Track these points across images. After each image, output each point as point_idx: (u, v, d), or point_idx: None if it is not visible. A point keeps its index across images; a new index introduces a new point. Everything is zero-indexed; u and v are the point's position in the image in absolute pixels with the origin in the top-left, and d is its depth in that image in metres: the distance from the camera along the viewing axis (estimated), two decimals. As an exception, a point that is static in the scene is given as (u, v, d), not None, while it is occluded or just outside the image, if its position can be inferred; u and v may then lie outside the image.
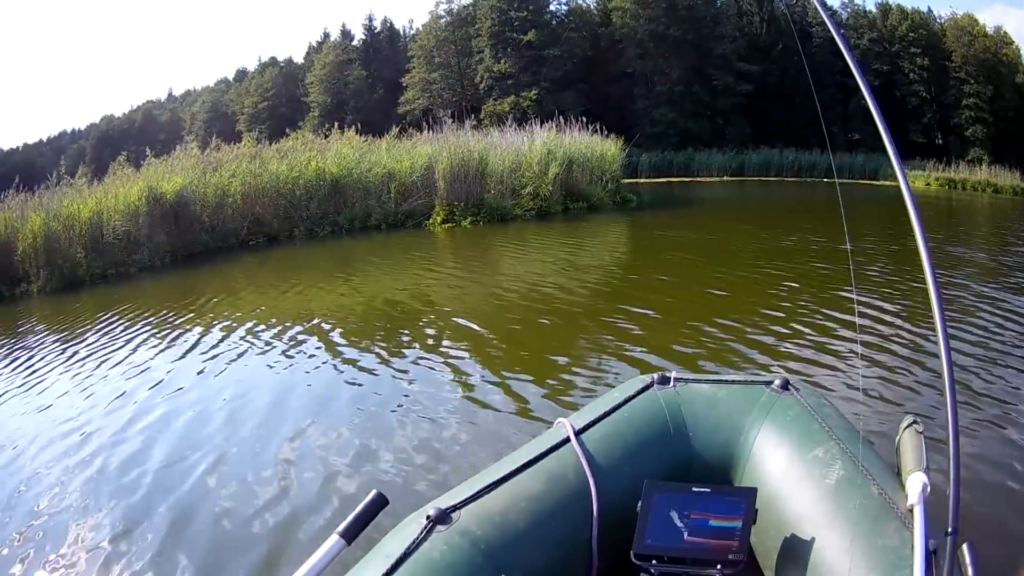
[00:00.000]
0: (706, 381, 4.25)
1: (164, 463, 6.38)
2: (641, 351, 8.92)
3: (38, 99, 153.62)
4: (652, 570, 3.21)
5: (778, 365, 8.15)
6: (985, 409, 6.68)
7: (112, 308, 13.49)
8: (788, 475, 3.55)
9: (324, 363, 9.28)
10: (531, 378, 8.17)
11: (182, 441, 6.89)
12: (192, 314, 12.43)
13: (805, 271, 14.21)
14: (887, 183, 39.54)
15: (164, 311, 12.77)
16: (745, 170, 46.95)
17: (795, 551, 3.25)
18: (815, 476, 3.43)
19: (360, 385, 8.41)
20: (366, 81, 64.38)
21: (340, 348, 9.92)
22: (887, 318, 10.04)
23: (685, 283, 13.49)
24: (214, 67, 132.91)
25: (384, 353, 9.54)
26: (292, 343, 10.20)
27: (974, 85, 50.64)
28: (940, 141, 52.51)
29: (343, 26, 70.88)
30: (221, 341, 10.54)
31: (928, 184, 41.77)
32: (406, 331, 10.68)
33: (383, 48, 67.12)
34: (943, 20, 56.27)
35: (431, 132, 27.79)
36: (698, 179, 45.32)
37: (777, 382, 4.08)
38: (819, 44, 51.08)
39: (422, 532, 3.13)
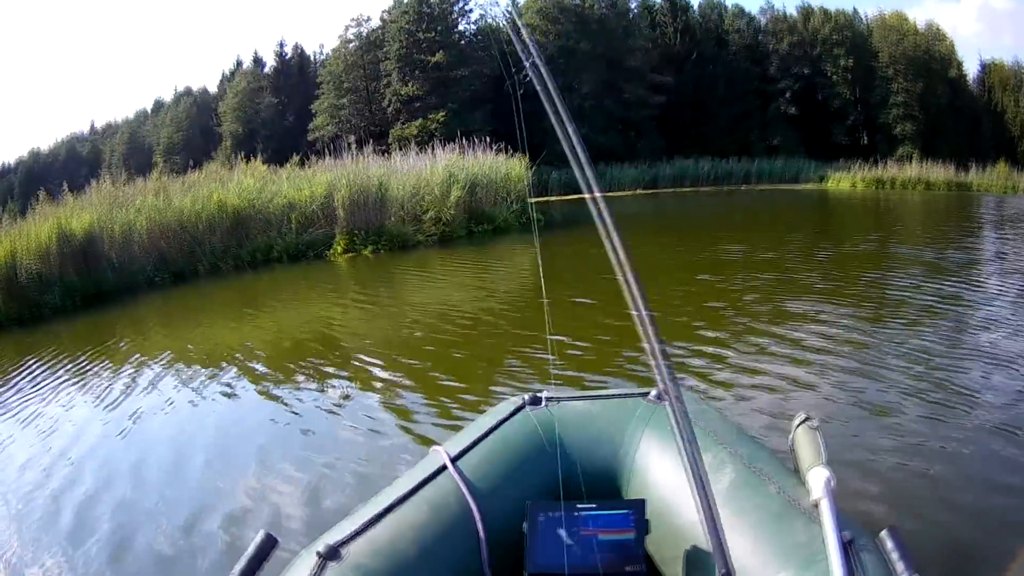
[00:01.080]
0: (579, 398, 4.25)
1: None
2: (532, 375, 8.99)
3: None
4: None
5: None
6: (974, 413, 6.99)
7: (31, 353, 13.27)
8: (676, 483, 3.53)
9: (225, 402, 9.38)
10: (430, 404, 8.34)
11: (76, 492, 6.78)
12: (107, 359, 12.30)
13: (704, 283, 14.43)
14: (809, 186, 41.05)
15: (80, 356, 12.60)
16: (659, 182, 47.25)
17: (695, 556, 3.26)
18: (706, 482, 3.15)
19: (258, 420, 8.55)
20: (276, 109, 64.11)
21: (240, 388, 9.95)
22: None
23: (580, 303, 13.36)
24: (134, 98, 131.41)
25: (282, 389, 9.61)
26: (193, 385, 10.12)
27: (903, 83, 50.97)
28: (866, 141, 52.69)
29: (255, 53, 70.30)
30: (129, 388, 10.39)
31: (854, 185, 41.89)
32: (307, 367, 10.62)
33: (294, 75, 66.52)
34: (869, 19, 56.80)
35: (333, 159, 27.82)
36: (610, 193, 43.12)
37: (653, 393, 4.08)
38: (735, 51, 51.47)
39: (314, 569, 3.07)
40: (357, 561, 3.15)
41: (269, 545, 3.05)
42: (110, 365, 11.79)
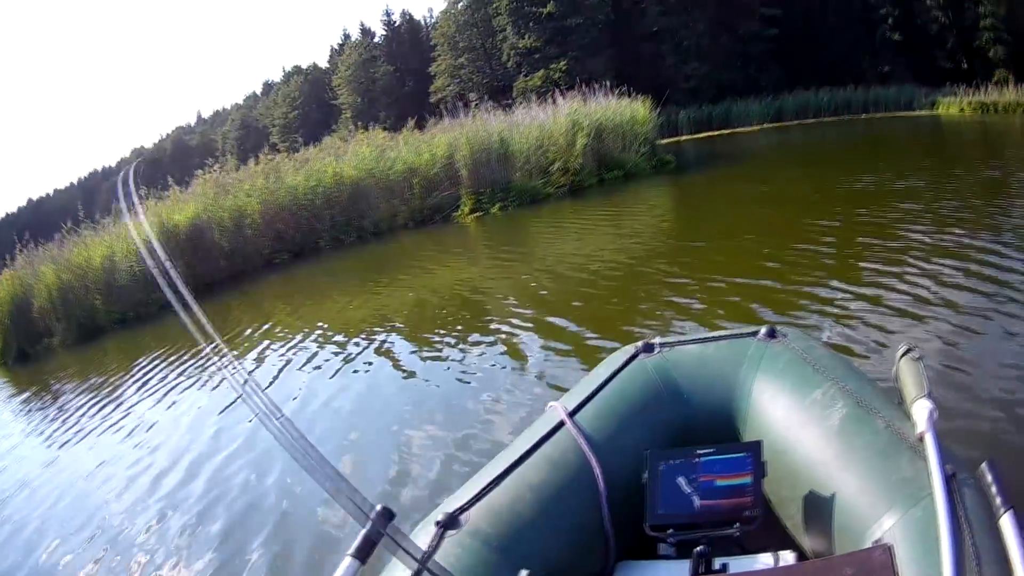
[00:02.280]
0: (691, 342, 4.17)
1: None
2: (716, 310, 8.74)
3: (67, 143, 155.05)
4: (669, 539, 3.14)
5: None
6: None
7: (143, 352, 13.13)
8: (790, 423, 3.46)
9: (362, 373, 9.29)
10: (572, 361, 8.05)
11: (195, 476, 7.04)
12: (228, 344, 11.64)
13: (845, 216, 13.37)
14: (922, 113, 39.24)
15: (195, 347, 11.97)
16: (784, 115, 45.85)
17: (811, 497, 3.17)
18: (817, 420, 3.35)
19: (396, 390, 8.46)
20: (394, 75, 63.89)
21: (376, 358, 9.78)
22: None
23: (732, 244, 12.63)
24: (240, 84, 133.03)
25: (419, 356, 9.57)
26: (327, 359, 10.13)
27: (988, 6, 47.57)
28: (966, 65, 49.48)
29: (361, 24, 70.17)
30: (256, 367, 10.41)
31: (962, 110, 39.30)
32: (443, 332, 10.35)
33: (405, 41, 66.43)
34: None
35: (451, 119, 26.65)
36: (738, 130, 43.96)
37: (763, 331, 3.98)
38: None
39: (433, 539, 3.02)
40: (476, 527, 3.12)
41: (387, 518, 2.76)
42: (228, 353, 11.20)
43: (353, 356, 10.05)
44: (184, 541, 5.78)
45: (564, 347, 8.55)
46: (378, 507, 2.79)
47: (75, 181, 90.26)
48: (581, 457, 3.47)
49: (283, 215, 21.25)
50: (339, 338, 11.11)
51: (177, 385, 10.62)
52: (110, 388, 11.44)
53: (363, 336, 10.90)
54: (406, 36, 66.86)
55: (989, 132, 30.36)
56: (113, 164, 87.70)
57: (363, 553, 2.72)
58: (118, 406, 10.33)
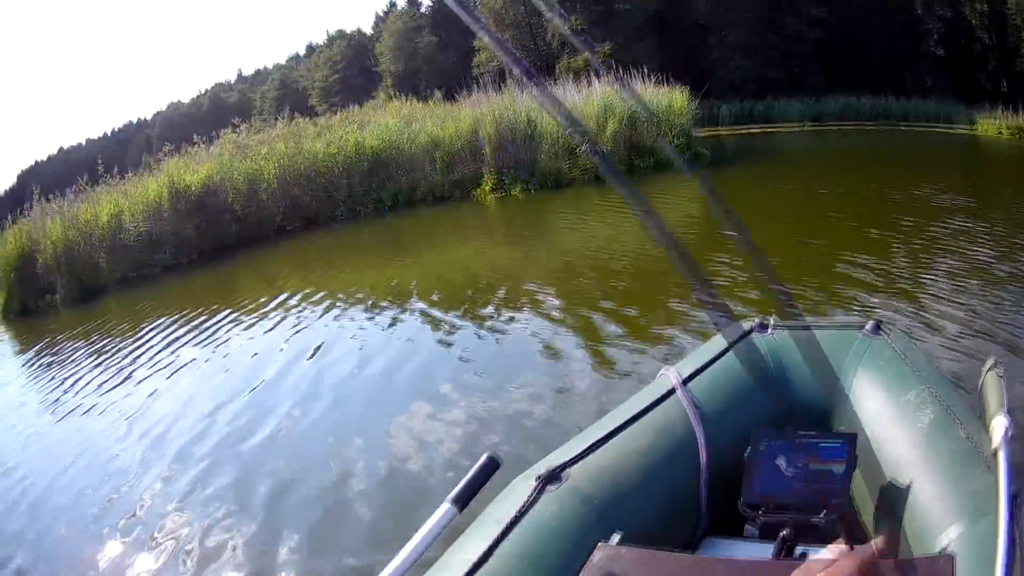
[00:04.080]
0: (802, 327, 4.24)
1: (267, 440, 6.78)
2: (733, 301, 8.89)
3: (104, 91, 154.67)
4: (759, 519, 3.20)
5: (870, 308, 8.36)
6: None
7: (141, 315, 13.27)
8: (882, 419, 3.51)
9: (409, 338, 9.50)
10: (624, 333, 8.45)
11: (284, 420, 7.20)
12: (217, 315, 11.97)
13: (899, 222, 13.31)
14: (960, 130, 38.67)
15: (200, 311, 12.31)
16: (824, 117, 45.46)
17: (890, 495, 3.18)
18: (907, 420, 3.39)
19: (456, 356, 8.64)
20: (437, 47, 63.71)
21: (419, 321, 10.19)
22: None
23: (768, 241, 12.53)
24: (283, 44, 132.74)
25: (467, 324, 9.78)
26: (363, 320, 10.53)
27: None
28: (1006, 88, 49.12)
29: (417, -9, 69.94)
30: (273, 328, 10.67)
31: (1000, 133, 38.55)
32: (482, 303, 10.73)
33: (452, 12, 65.44)
34: None
35: (483, 93, 25.62)
36: (778, 127, 43.77)
37: (869, 326, 4.04)
38: None
39: (532, 493, 3.13)
40: (576, 485, 3.18)
41: (492, 468, 3.01)
42: (208, 325, 11.49)
43: (379, 323, 10.28)
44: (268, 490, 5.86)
45: (579, 334, 8.77)
46: (484, 455, 3.03)
47: (109, 132, 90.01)
48: (688, 427, 3.55)
49: (300, 182, 20.87)
50: (350, 306, 11.27)
51: (187, 344, 10.57)
52: (115, 347, 11.28)
53: (384, 305, 11.05)
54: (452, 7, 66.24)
55: None
56: (148, 117, 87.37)
57: (463, 500, 2.88)
58: (132, 362, 10.22)
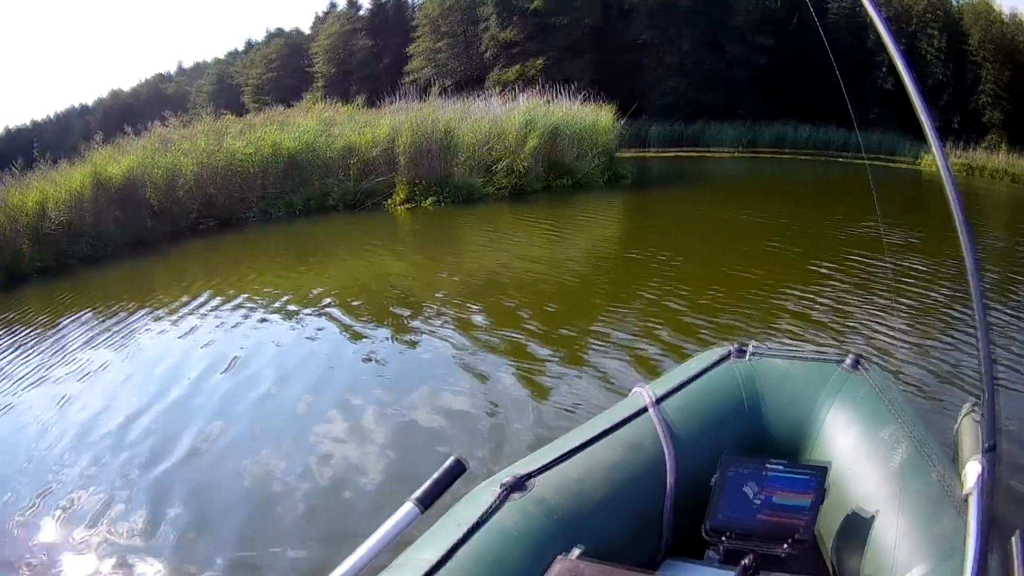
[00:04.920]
0: (781, 356, 4.26)
1: (184, 454, 6.45)
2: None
3: (51, 73, 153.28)
4: (721, 545, 3.22)
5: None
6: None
7: (61, 308, 12.68)
8: (855, 455, 3.54)
9: (322, 346, 9.44)
10: (546, 350, 8.64)
11: (199, 435, 6.86)
12: (123, 312, 11.74)
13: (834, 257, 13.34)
14: (903, 165, 39.62)
15: (118, 309, 11.98)
16: (758, 143, 45.69)
17: (857, 531, 3.21)
18: (881, 458, 3.44)
19: (370, 368, 8.57)
20: (371, 51, 63.57)
21: (334, 331, 10.08)
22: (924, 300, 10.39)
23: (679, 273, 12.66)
24: (224, 39, 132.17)
25: (382, 335, 9.78)
26: (277, 328, 10.31)
27: (991, 69, 49.53)
28: (957, 124, 49.91)
29: (351, -5, 69.79)
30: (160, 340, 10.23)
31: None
32: (394, 314, 10.79)
33: (390, 18, 66.02)
34: (960, 2, 54.93)
35: (405, 101, 25.70)
36: (709, 152, 43.89)
37: (848, 360, 4.06)
38: (835, 20, 50.32)
39: (496, 500, 3.13)
40: (540, 495, 3.21)
41: (458, 471, 3.06)
42: (125, 318, 11.34)
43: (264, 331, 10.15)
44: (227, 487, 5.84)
45: (470, 345, 8.95)
46: (451, 457, 3.09)
47: (52, 115, 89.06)
48: (657, 446, 3.60)
49: (216, 180, 20.52)
50: (254, 312, 11.03)
51: (103, 346, 10.10)
52: (34, 342, 10.82)
53: (298, 313, 10.93)
54: (391, 12, 66.49)
55: (973, 195, 30.45)
56: (90, 103, 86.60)
57: (426, 501, 2.93)
58: (50, 358, 9.80)
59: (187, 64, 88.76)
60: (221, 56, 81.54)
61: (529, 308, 10.56)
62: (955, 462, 3.28)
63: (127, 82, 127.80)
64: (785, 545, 3.15)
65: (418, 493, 2.92)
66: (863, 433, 3.60)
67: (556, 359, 8.42)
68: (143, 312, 11.47)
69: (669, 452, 3.56)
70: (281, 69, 69.38)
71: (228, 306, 11.36)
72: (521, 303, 10.86)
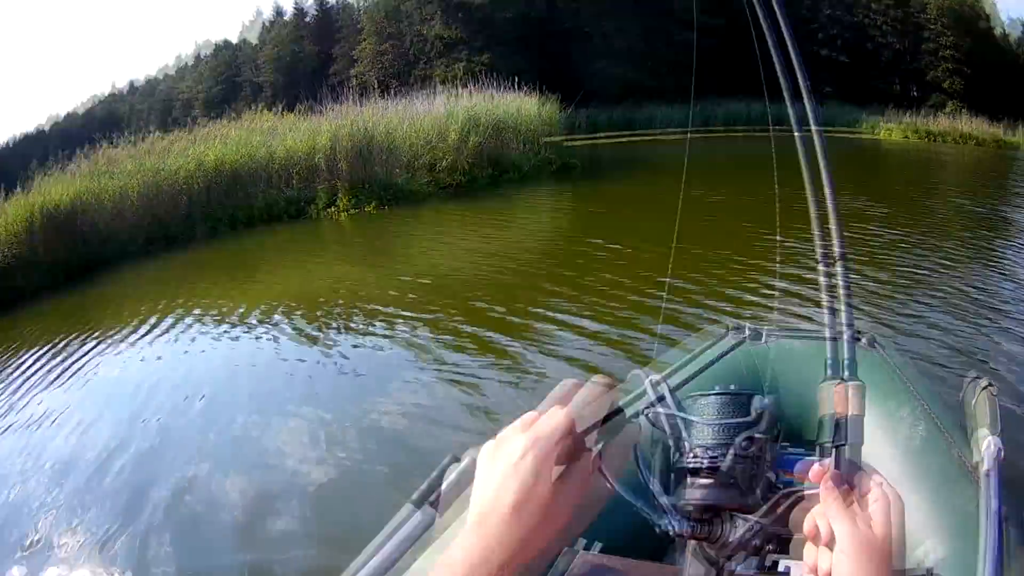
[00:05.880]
0: (796, 336, 4.15)
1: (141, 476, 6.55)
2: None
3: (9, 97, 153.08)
4: None
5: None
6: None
7: (18, 341, 12.61)
8: (873, 436, 3.08)
9: (283, 357, 9.50)
10: (503, 345, 8.89)
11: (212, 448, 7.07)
12: (87, 340, 11.65)
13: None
14: (862, 135, 40.68)
15: (72, 338, 11.84)
16: (711, 124, 45.64)
17: None
18: (900, 436, 3.36)
19: (331, 373, 8.83)
20: (318, 57, 63.48)
21: (290, 342, 10.16)
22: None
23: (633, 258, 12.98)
24: (160, 56, 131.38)
25: (334, 341, 10.06)
26: (232, 343, 10.40)
27: (951, 37, 50.11)
28: (916, 93, 51.36)
29: (295, 3, 69.84)
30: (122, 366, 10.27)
31: (906, 137, 40.78)
32: (344, 321, 10.99)
33: (335, 23, 65.82)
34: None
35: (348, 104, 25.59)
36: (660, 135, 43.80)
37: (865, 340, 4.00)
38: None
39: None
40: None
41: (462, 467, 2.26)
42: (91, 348, 11.18)
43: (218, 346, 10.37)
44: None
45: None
46: (447, 456, 2.42)
47: (7, 142, 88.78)
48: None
49: (163, 199, 20.25)
50: (209, 330, 11.18)
51: (55, 385, 9.88)
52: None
53: (254, 327, 10.96)
54: (337, 18, 66.42)
55: (939, 161, 31.58)
56: (33, 130, 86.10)
57: (425, 501, 2.39)
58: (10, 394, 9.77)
59: (121, 83, 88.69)
60: (172, 72, 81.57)
61: (487, 303, 10.69)
62: (969, 438, 3.23)
63: (64, 107, 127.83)
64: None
65: (416, 495, 2.29)
66: (882, 412, 3.52)
67: (528, 350, 8.58)
68: (95, 342, 11.35)
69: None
70: (228, 81, 69.33)
71: (180, 330, 11.30)
72: (479, 298, 10.98)
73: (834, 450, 1.41)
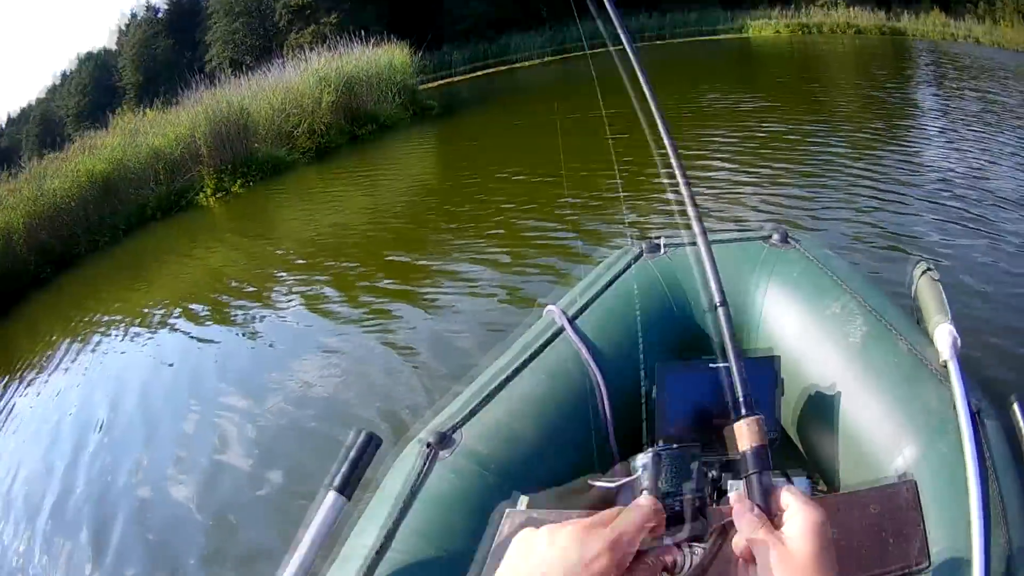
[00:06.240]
0: (692, 243, 3.03)
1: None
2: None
3: None
4: None
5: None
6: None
7: None
8: (806, 337, 3.32)
9: (200, 353, 9.43)
10: (399, 289, 9.21)
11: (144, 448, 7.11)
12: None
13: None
14: (729, 36, 40.41)
15: None
16: (567, 46, 44.61)
17: (827, 419, 3.03)
18: (836, 335, 3.19)
19: (246, 356, 8.94)
20: (174, 49, 62.46)
21: (191, 337, 10.09)
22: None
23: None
24: (41, 78, 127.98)
25: (234, 325, 10.12)
26: (139, 352, 10.21)
27: None
28: None
29: (147, 1, 68.78)
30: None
31: (777, 32, 40.32)
32: (234, 305, 10.91)
33: (187, 12, 64.66)
34: None
35: (204, 89, 25.20)
36: (517, 65, 44.14)
37: (776, 236, 3.81)
38: None
39: (425, 463, 2.89)
40: (470, 447, 2.96)
41: (373, 446, 2.88)
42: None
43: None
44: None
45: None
46: (361, 434, 2.87)
47: None
48: (581, 367, 3.28)
49: (46, 225, 20.07)
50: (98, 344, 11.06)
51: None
52: None
53: (156, 334, 10.79)
54: (187, 6, 65.07)
55: (814, 55, 31.27)
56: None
57: (347, 485, 2.75)
58: None
59: (14, 113, 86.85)
60: (42, 95, 80.00)
61: (373, 260, 10.84)
62: (922, 328, 3.17)
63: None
64: None
65: (337, 480, 2.76)
66: (810, 312, 3.39)
67: (424, 299, 8.77)
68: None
69: (596, 372, 3.27)
70: (95, 91, 68.18)
71: (84, 351, 11.13)
72: (364, 257, 11.12)
73: (744, 480, 1.41)
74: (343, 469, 2.76)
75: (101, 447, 7.43)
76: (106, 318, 12.47)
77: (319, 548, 2.62)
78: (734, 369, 1.61)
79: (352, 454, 2.80)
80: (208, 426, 6.98)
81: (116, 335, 11.12)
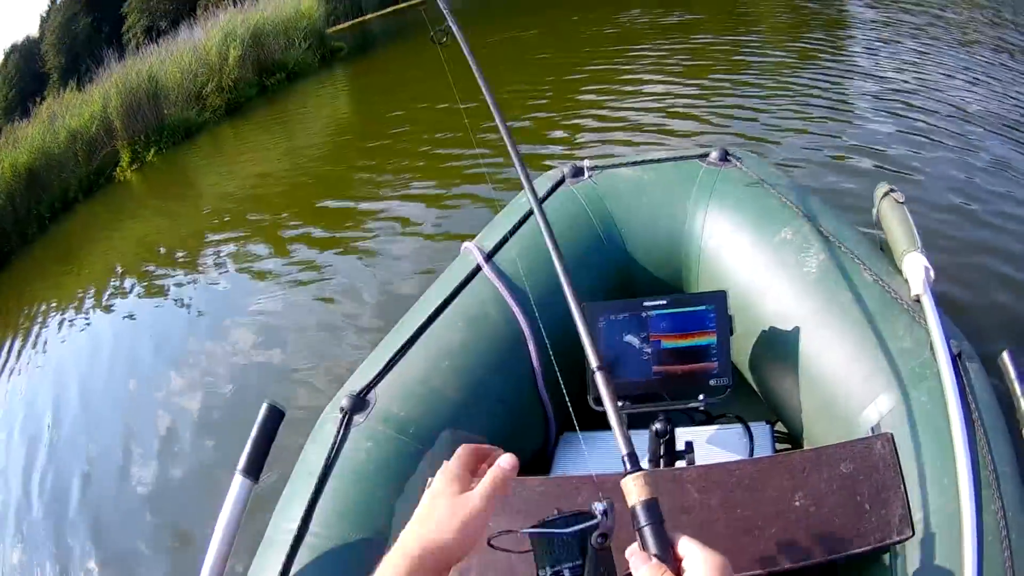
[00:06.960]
0: (627, 164, 3.63)
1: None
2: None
3: None
4: (621, 414, 2.07)
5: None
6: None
7: None
8: (756, 268, 3.04)
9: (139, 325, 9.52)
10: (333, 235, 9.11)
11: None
12: None
13: None
14: None
15: None
16: None
17: (788, 361, 2.78)
18: (790, 265, 2.92)
19: (184, 322, 8.95)
20: (93, 26, 61.20)
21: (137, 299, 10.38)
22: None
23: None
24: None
25: (179, 285, 10.06)
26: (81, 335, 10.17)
27: None
28: None
29: (62, -20, 68.01)
30: None
31: None
32: (174, 273, 10.75)
33: (104, -12, 63.87)
34: None
35: (117, 63, 25.05)
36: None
37: (714, 153, 3.47)
38: None
39: (339, 430, 2.67)
40: (385, 409, 2.73)
41: (275, 417, 2.72)
42: None
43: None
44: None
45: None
46: (263, 406, 2.73)
47: None
48: (503, 310, 3.07)
49: None
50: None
51: None
52: None
53: (98, 317, 10.66)
54: (103, -20, 64.38)
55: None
56: None
57: (254, 465, 2.61)
58: None
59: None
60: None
61: (298, 206, 10.91)
62: (888, 256, 2.92)
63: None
64: (701, 396, 2.76)
65: (242, 462, 2.60)
66: (758, 239, 3.11)
67: (356, 247, 8.73)
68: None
69: (520, 314, 3.02)
70: (21, 82, 67.62)
71: (28, 345, 10.98)
72: (288, 204, 11.19)
73: (637, 533, 1.38)
74: (248, 449, 2.63)
75: (48, 445, 7.37)
76: (43, 308, 12.47)
77: (233, 536, 2.51)
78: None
79: (255, 432, 2.68)
80: (148, 410, 6.85)
81: (52, 326, 11.05)
